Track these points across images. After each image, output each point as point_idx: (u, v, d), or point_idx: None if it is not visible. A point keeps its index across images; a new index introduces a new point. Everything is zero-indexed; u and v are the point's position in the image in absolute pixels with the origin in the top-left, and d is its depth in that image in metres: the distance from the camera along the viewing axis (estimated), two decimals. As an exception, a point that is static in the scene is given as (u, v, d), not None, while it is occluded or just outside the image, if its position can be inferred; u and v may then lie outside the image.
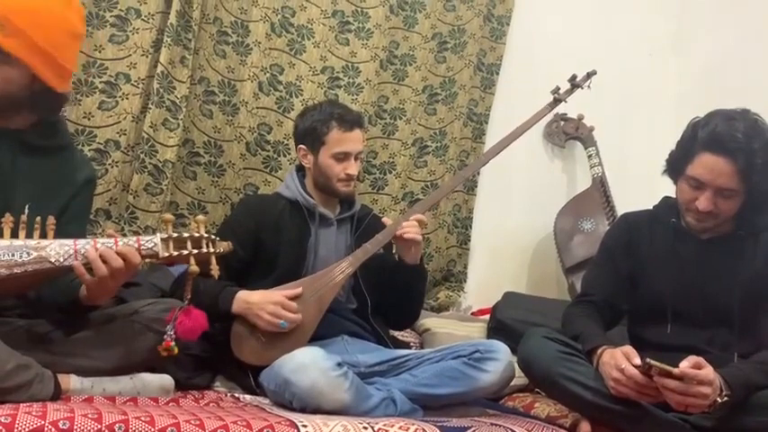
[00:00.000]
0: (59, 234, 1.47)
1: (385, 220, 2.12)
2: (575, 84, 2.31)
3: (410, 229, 2.00)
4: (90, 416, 1.26)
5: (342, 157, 2.06)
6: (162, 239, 1.48)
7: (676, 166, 1.83)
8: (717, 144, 1.71)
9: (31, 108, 1.62)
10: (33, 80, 1.56)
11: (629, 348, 1.65)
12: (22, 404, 1.31)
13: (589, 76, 2.32)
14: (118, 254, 1.45)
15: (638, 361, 1.60)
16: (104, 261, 1.44)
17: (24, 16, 1.52)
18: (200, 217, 1.55)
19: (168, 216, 1.52)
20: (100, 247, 1.45)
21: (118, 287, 1.55)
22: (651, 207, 2.00)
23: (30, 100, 1.59)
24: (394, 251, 2.15)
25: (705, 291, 1.83)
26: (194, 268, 1.48)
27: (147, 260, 1.51)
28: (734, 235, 1.84)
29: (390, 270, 2.11)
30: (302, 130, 2.12)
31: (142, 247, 1.47)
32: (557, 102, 2.30)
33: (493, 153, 2.27)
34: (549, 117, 3.10)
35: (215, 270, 1.50)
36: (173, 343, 1.51)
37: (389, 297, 2.11)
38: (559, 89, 2.30)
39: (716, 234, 1.85)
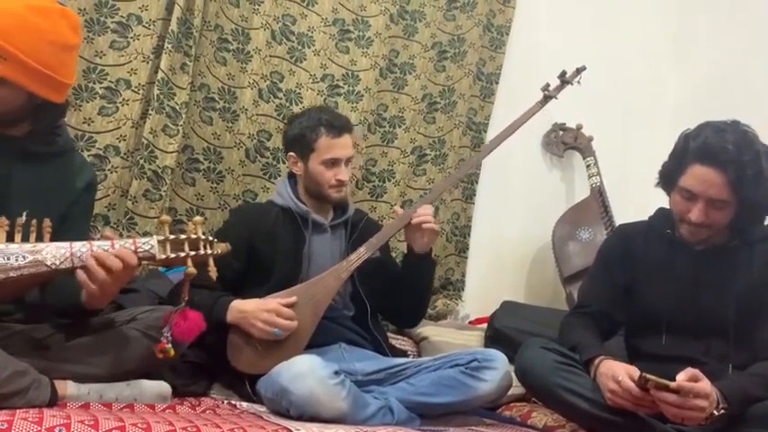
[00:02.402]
0: (60, 241, 1.46)
1: (398, 209, 2.12)
2: (564, 80, 2.31)
3: (427, 218, 2.01)
4: (86, 422, 1.25)
5: (332, 163, 2.06)
6: (159, 241, 1.47)
7: (669, 177, 1.84)
8: (707, 156, 1.73)
9: (32, 118, 1.60)
10: (30, 96, 1.53)
11: (631, 368, 1.65)
12: (18, 410, 1.30)
13: (579, 71, 2.32)
14: (115, 256, 1.43)
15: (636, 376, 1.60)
16: (103, 266, 1.43)
17: (14, 38, 1.46)
18: (198, 218, 1.53)
19: (165, 218, 1.51)
20: (96, 251, 1.43)
21: (118, 290, 1.53)
22: (647, 218, 2.01)
23: (29, 112, 1.58)
24: (393, 253, 2.15)
25: (700, 302, 1.83)
26: (192, 270, 1.47)
27: (145, 262, 1.50)
28: (728, 246, 1.85)
29: (402, 262, 2.13)
30: (291, 137, 2.12)
31: (139, 250, 1.46)
32: (547, 98, 2.30)
33: (486, 152, 2.31)
34: (548, 126, 3.13)
35: (213, 272, 1.49)
36: (168, 345, 1.49)
37: (396, 293, 2.10)
38: (549, 86, 2.31)
39: (710, 245, 1.85)
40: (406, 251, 2.16)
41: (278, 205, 2.11)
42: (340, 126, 2.07)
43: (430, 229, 2.02)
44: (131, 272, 1.47)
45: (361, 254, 1.99)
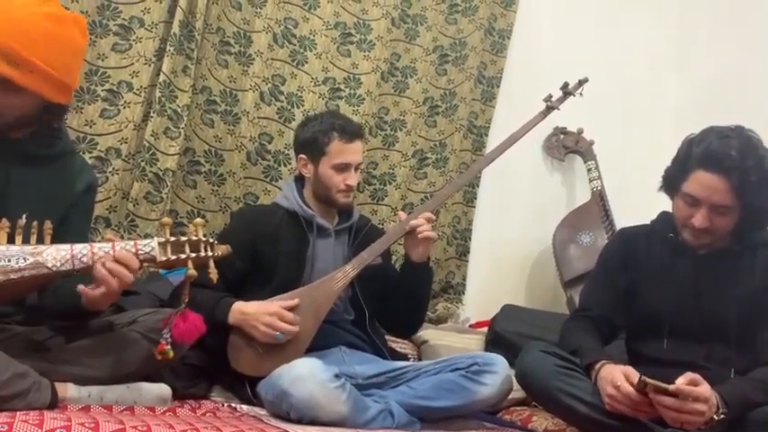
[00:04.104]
0: (59, 243, 1.46)
1: (400, 214, 2.12)
2: (567, 91, 2.31)
3: (423, 227, 2.01)
4: (87, 425, 1.25)
5: (342, 168, 2.06)
6: (159, 243, 1.47)
7: (672, 182, 1.84)
8: (711, 162, 1.73)
9: (37, 121, 1.61)
10: (42, 101, 1.55)
11: (629, 369, 1.65)
12: (19, 412, 1.30)
13: (581, 83, 2.32)
14: (116, 260, 1.44)
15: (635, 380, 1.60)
16: (111, 273, 1.44)
17: (30, 44, 1.47)
18: (199, 220, 1.53)
19: (166, 219, 1.51)
20: (109, 265, 1.44)
21: (120, 293, 1.53)
22: (649, 222, 2.00)
23: (38, 115, 1.59)
24: (393, 260, 2.15)
25: (702, 306, 1.83)
26: (192, 272, 1.47)
27: (146, 264, 1.50)
28: (731, 250, 1.84)
29: (400, 270, 2.12)
30: (303, 140, 2.13)
31: (139, 252, 1.46)
32: (549, 109, 2.30)
33: (487, 161, 2.30)
34: (549, 130, 3.13)
35: (213, 274, 1.49)
36: (168, 346, 1.49)
37: (394, 301, 2.10)
38: (552, 97, 2.31)
39: (713, 249, 1.85)
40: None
41: (283, 208, 2.11)
42: (352, 132, 2.08)
43: (426, 237, 2.01)
44: (133, 276, 1.47)
45: (363, 259, 1.99)
